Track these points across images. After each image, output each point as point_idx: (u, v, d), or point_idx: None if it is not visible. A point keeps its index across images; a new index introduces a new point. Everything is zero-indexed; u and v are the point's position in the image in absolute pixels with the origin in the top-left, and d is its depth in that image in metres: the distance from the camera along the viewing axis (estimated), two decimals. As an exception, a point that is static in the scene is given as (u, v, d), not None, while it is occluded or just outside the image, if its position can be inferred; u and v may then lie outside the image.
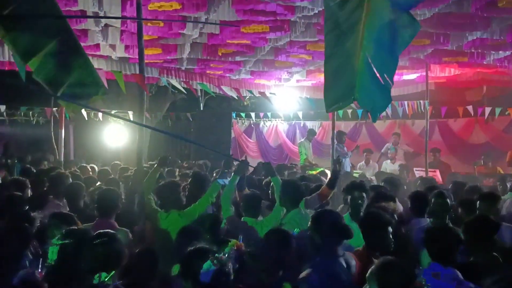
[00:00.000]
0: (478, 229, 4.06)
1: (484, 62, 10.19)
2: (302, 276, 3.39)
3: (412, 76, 12.16)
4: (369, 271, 3.00)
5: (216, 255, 2.85)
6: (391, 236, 3.88)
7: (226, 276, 2.81)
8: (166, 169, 7.54)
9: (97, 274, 3.01)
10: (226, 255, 2.91)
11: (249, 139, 17.80)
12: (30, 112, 14.40)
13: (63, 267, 3.18)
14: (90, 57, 5.20)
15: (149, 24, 7.43)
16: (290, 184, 5.30)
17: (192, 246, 3.07)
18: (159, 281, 3.91)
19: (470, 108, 12.77)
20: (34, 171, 8.40)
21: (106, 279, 2.99)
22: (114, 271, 3.10)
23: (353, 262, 3.62)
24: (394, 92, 12.20)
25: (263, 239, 4.20)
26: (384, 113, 13.19)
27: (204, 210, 5.30)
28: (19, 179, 6.74)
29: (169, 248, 4.62)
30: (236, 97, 12.52)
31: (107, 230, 3.57)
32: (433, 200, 5.25)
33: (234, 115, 17.16)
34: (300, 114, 15.59)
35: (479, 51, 9.40)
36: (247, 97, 15.65)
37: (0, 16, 2.57)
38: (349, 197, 5.20)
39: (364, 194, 5.17)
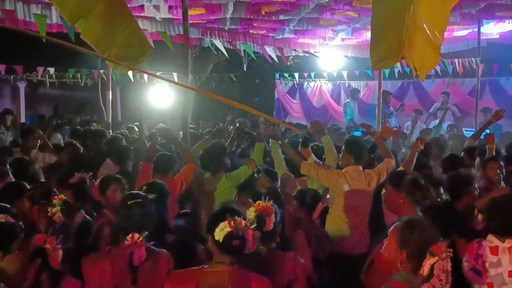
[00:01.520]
0: None
1: (541, 17, 9.70)
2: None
3: (463, 32, 11.68)
4: (392, 227, 3.02)
5: (236, 217, 2.84)
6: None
7: (239, 240, 2.79)
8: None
9: (130, 235, 3.03)
10: (247, 221, 2.90)
11: (292, 100, 17.67)
12: (78, 74, 14.69)
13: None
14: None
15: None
16: (354, 141, 5.35)
17: None
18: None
19: (523, 65, 12.25)
20: (84, 132, 8.66)
21: (139, 240, 3.01)
22: (146, 232, 3.08)
23: None
24: (443, 49, 11.75)
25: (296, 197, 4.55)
26: (433, 72, 12.82)
27: (251, 171, 5.37)
28: (72, 142, 7.02)
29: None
30: (277, 61, 12.37)
31: (139, 191, 3.61)
32: None
33: (277, 75, 17.02)
34: (345, 74, 15.31)
35: (536, 5, 8.93)
36: (290, 57, 15.43)
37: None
38: None
39: None
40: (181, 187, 5.00)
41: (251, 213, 3.15)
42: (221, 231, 2.78)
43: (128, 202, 3.27)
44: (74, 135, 8.29)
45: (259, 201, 3.23)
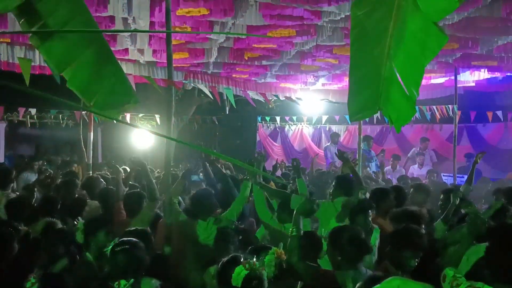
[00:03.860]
0: None
1: (514, 66, 10.03)
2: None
3: (441, 80, 12.01)
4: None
5: (249, 260, 2.88)
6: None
7: (258, 281, 2.81)
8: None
9: (116, 282, 2.98)
10: (259, 261, 2.92)
11: (274, 143, 17.78)
12: (60, 115, 14.63)
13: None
14: (118, 62, 5.24)
15: (177, 29, 7.51)
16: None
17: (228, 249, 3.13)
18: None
19: (499, 113, 12.56)
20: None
21: (125, 287, 2.95)
22: (133, 280, 3.03)
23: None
24: (422, 96, 12.06)
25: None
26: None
27: (241, 210, 5.39)
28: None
29: (205, 256, 4.75)
30: (262, 100, 12.54)
31: (130, 238, 3.57)
32: None
33: (259, 118, 17.18)
34: (324, 118, 15.53)
35: (510, 55, 9.24)
36: (272, 99, 15.65)
37: (30, 32, 2.65)
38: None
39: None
40: None
41: (270, 263, 3.16)
42: (238, 275, 2.80)
43: (115, 249, 3.23)
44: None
45: (275, 248, 3.25)
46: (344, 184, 5.46)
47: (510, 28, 7.59)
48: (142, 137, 13.78)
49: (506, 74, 11.32)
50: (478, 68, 10.58)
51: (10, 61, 8.16)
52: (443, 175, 10.85)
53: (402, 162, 12.85)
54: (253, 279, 2.81)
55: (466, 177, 10.25)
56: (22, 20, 2.81)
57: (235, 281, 2.80)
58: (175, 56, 8.60)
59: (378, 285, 2.41)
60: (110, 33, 7.73)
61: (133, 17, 6.93)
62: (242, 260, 2.94)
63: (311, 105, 14.64)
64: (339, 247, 3.44)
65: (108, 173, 8.47)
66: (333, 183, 5.59)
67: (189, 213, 5.43)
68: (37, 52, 8.00)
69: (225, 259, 3.07)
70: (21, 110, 13.23)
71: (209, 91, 9.42)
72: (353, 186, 5.38)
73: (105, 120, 6.98)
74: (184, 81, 11.06)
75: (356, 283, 3.08)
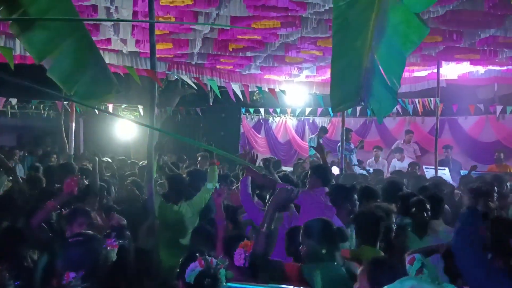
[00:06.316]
0: None
1: (496, 60, 10.13)
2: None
3: (423, 73, 12.09)
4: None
5: (206, 257, 2.79)
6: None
7: (212, 279, 2.72)
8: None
9: (65, 274, 2.85)
10: (218, 259, 2.84)
11: (257, 135, 17.79)
12: (41, 105, 14.46)
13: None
14: (101, 52, 5.14)
15: (160, 19, 7.44)
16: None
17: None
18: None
19: (481, 106, 12.70)
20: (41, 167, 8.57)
21: (73, 280, 2.83)
22: (83, 272, 2.87)
23: (357, 271, 3.30)
24: (404, 88, 12.15)
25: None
26: (394, 110, 13.13)
27: (210, 198, 5.42)
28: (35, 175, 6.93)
29: (177, 240, 4.96)
30: (241, 98, 12.46)
31: (85, 230, 3.48)
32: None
33: (243, 110, 17.16)
34: (307, 111, 15.54)
35: (492, 48, 9.33)
36: (256, 91, 15.65)
37: (10, 20, 2.60)
38: None
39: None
40: None
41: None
42: (192, 271, 2.72)
43: (69, 240, 3.15)
44: (33, 169, 8.16)
45: (246, 241, 3.23)
46: (321, 173, 5.42)
47: (492, 22, 7.66)
48: (125, 128, 13.69)
49: (488, 67, 11.44)
50: (460, 61, 10.67)
51: (-10, 49, 8.02)
52: (425, 167, 10.94)
53: (385, 154, 12.92)
54: (206, 276, 2.71)
55: (446, 169, 10.46)
56: (2, 7, 2.76)
57: (189, 277, 2.71)
58: (158, 46, 8.52)
59: (390, 284, 2.43)
60: (92, 23, 7.64)
61: (116, 7, 6.86)
62: (196, 253, 2.84)
63: (295, 97, 14.65)
64: (316, 236, 3.43)
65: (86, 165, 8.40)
66: (309, 173, 5.53)
67: (165, 197, 5.51)
68: (18, 41, 7.88)
69: (185, 255, 2.97)
70: (1, 100, 13.05)
71: (193, 82, 9.35)
72: (329, 175, 5.44)
73: (87, 110, 6.89)
74: (167, 72, 10.99)
75: (326, 277, 3.13)
